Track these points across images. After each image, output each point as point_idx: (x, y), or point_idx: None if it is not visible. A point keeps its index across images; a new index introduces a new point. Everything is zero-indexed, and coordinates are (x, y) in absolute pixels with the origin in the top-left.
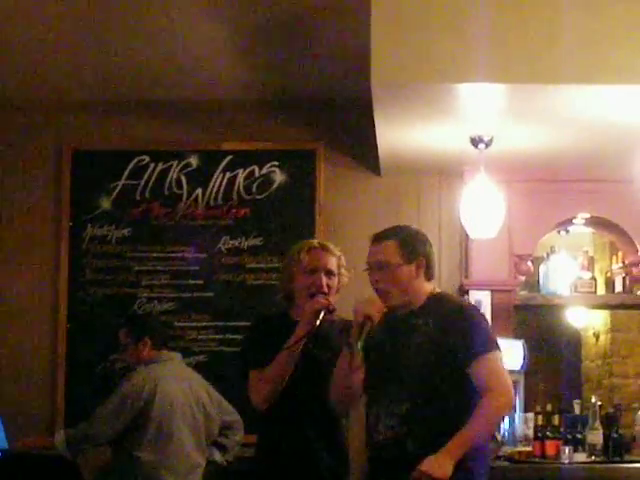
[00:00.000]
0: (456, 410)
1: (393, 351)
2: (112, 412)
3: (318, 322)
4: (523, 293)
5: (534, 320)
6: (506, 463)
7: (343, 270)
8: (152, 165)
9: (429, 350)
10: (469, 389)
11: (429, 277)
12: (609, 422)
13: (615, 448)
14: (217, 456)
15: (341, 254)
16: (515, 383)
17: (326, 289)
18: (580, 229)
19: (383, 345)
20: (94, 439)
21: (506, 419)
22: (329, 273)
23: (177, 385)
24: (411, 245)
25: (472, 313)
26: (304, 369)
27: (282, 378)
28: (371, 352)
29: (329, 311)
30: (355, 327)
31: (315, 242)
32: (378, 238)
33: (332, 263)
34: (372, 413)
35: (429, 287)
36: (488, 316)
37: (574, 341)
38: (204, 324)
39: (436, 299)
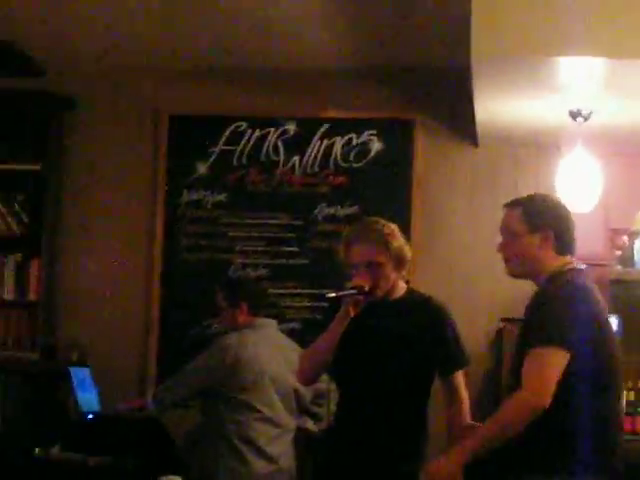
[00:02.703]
0: None
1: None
2: (195, 369)
3: (353, 305)
4: (618, 268)
5: (629, 295)
6: None
7: (395, 244)
8: (249, 131)
9: (525, 333)
10: None
11: (562, 251)
12: None
13: None
14: (309, 424)
15: (387, 231)
16: None
17: (365, 281)
18: None
19: None
20: (176, 394)
21: None
22: (371, 265)
23: (269, 351)
24: (537, 214)
25: (552, 299)
26: (375, 345)
27: (320, 359)
28: None
29: (363, 292)
30: None
31: (351, 234)
32: (507, 205)
33: (372, 253)
34: None
35: (561, 261)
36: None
37: None
38: (298, 291)
39: (555, 277)
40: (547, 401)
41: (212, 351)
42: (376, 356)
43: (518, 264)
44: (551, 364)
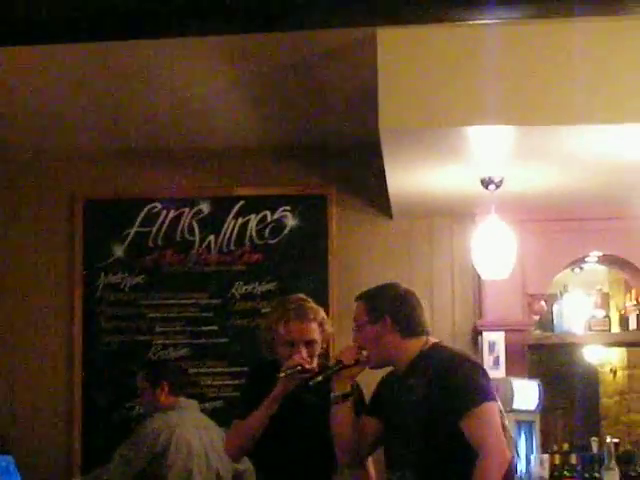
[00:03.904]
0: (465, 465)
1: (396, 413)
2: (127, 458)
3: (293, 383)
4: (537, 332)
5: (549, 359)
6: None
7: (326, 326)
8: (164, 212)
9: (424, 410)
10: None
11: (407, 334)
12: (626, 460)
13: None
14: None
15: (320, 310)
16: (531, 423)
17: (307, 360)
18: (594, 266)
19: (389, 408)
20: None
21: (523, 461)
22: (309, 343)
23: (194, 433)
24: (375, 305)
25: (459, 365)
26: (295, 418)
27: (252, 435)
28: (382, 415)
29: (304, 371)
30: (327, 370)
31: (291, 311)
32: (355, 299)
33: (311, 331)
34: (391, 477)
35: (415, 344)
36: (502, 357)
37: (591, 378)
38: (219, 370)
39: (427, 354)
40: (509, 452)
41: (141, 437)
42: (293, 430)
43: (374, 353)
44: (494, 416)
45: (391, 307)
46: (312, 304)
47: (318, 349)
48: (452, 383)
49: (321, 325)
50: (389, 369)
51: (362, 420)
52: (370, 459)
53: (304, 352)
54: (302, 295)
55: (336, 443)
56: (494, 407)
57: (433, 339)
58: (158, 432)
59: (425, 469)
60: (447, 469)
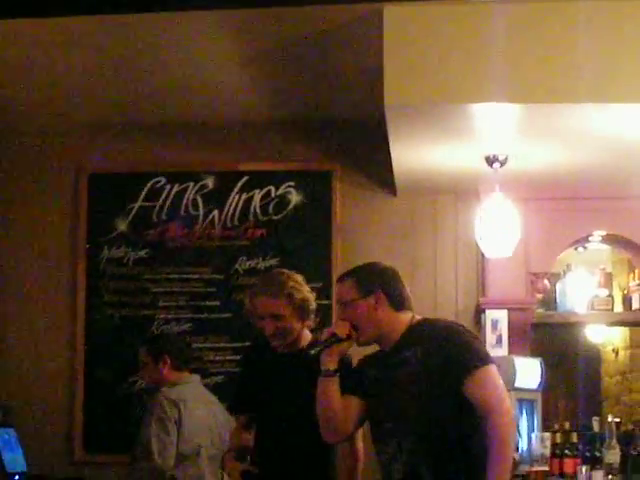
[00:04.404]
0: (465, 431)
1: (389, 387)
2: (164, 441)
3: None
4: (540, 311)
5: (552, 338)
6: None
7: (299, 300)
8: (168, 187)
9: (422, 379)
10: (472, 408)
11: (397, 307)
12: (627, 440)
13: (633, 466)
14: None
15: (291, 283)
16: (532, 402)
17: (275, 332)
18: (598, 245)
19: (379, 383)
20: (169, 467)
21: (524, 439)
22: (276, 318)
23: (203, 408)
24: (366, 280)
25: (456, 332)
26: (277, 384)
27: None
28: (369, 391)
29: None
30: (321, 343)
31: (258, 286)
32: (339, 279)
33: (277, 307)
34: (382, 452)
35: (404, 317)
36: (505, 335)
37: (593, 357)
38: (221, 345)
39: (418, 327)
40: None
41: (164, 409)
42: (280, 404)
43: (366, 328)
44: (496, 377)
45: (381, 281)
46: (282, 277)
47: (292, 324)
48: (451, 350)
49: (290, 298)
50: (367, 350)
51: (346, 398)
52: (360, 433)
53: (271, 326)
54: (284, 270)
55: (323, 420)
56: (494, 369)
57: (417, 315)
58: (175, 402)
59: (422, 438)
60: (445, 437)
